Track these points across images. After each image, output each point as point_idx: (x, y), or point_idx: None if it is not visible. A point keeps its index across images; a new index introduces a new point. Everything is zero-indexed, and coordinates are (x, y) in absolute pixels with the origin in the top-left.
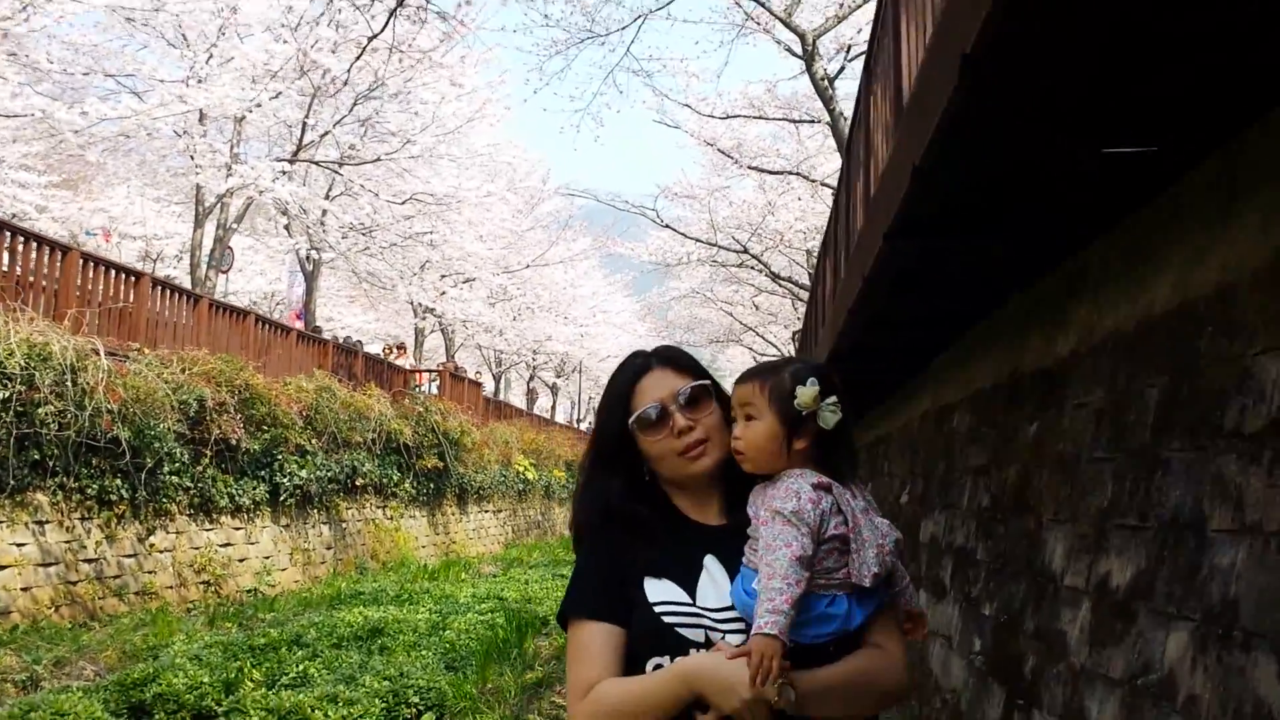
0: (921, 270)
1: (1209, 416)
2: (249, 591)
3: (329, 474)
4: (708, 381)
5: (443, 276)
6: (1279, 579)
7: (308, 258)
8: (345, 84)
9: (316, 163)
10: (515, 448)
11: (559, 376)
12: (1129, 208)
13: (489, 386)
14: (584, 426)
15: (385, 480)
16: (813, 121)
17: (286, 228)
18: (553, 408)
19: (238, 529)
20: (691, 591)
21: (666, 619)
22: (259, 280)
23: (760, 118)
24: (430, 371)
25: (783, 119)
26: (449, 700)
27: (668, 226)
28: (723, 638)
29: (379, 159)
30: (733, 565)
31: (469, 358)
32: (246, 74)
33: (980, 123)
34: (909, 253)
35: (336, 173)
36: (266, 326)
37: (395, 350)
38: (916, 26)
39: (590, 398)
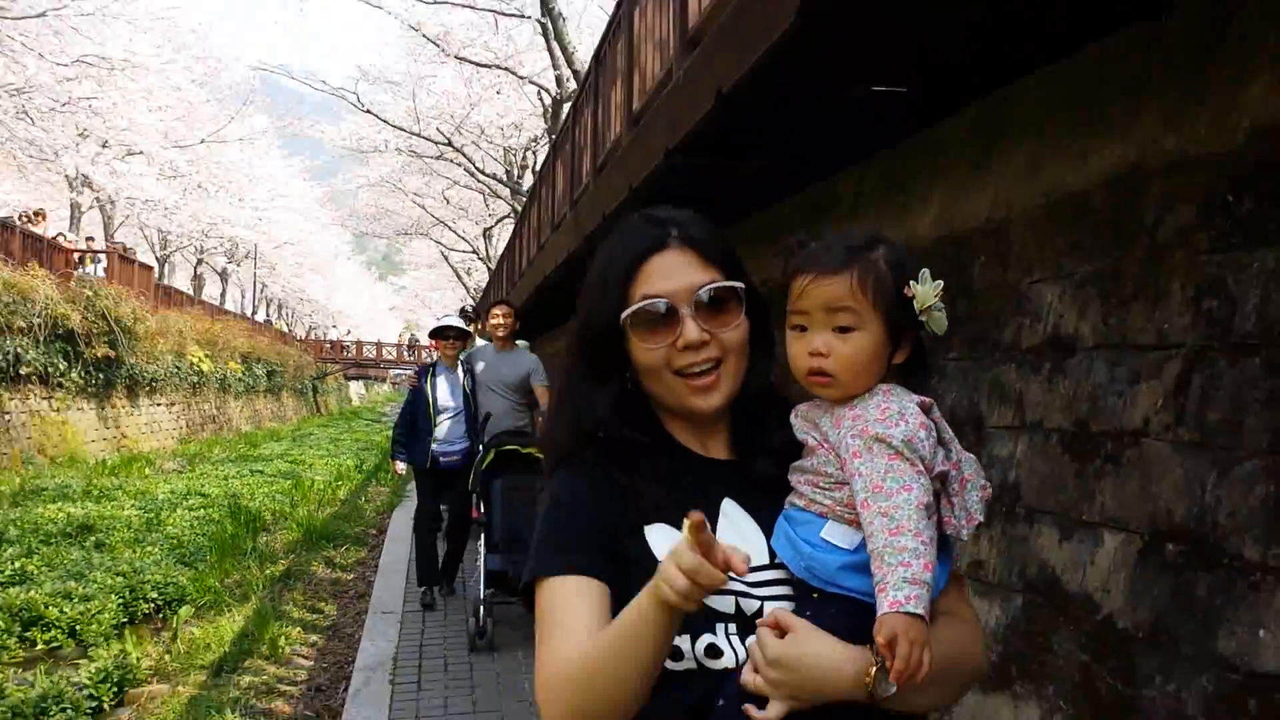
0: (690, 184)
1: (987, 332)
2: None
3: None
4: (741, 284)
5: (105, 146)
6: (1058, 466)
7: None
8: None
9: None
10: (190, 338)
11: (231, 262)
12: (883, 143)
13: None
14: (260, 317)
15: (51, 369)
16: (523, 17)
17: None
18: (222, 295)
19: None
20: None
21: None
22: None
23: (469, 6)
24: (97, 252)
25: (490, 10)
26: (190, 594)
27: (369, 111)
28: (760, 606)
29: (44, 14)
30: (757, 510)
31: (129, 237)
32: None
33: (801, 56)
34: (688, 168)
35: None
36: None
37: (33, 217)
38: None
39: (264, 285)
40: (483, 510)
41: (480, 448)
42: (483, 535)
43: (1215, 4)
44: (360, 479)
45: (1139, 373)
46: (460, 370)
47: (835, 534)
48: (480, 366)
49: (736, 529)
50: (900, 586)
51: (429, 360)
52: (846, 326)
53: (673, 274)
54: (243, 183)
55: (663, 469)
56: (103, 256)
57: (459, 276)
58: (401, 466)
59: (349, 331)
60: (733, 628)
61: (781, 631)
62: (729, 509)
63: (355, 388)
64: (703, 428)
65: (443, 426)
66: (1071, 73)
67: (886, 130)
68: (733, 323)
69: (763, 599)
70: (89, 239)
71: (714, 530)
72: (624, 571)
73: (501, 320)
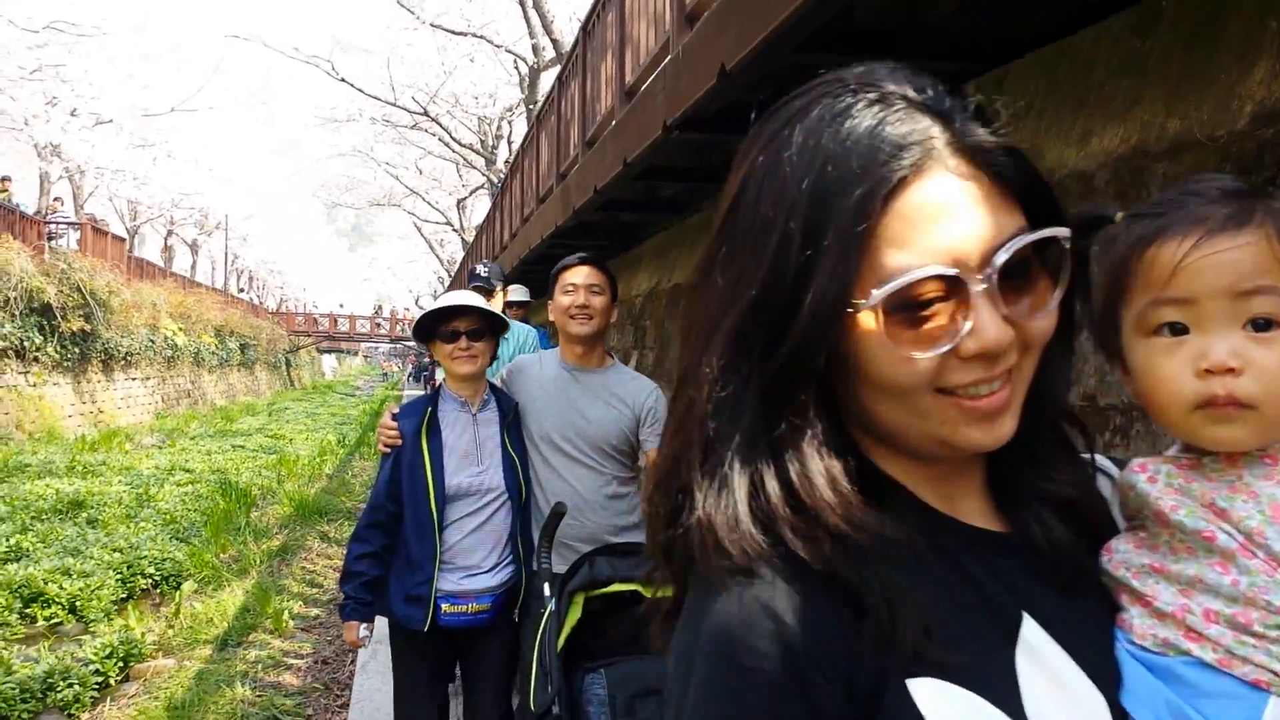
0: (688, 158)
1: None
2: None
3: None
4: (1066, 231)
5: (74, 113)
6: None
7: None
8: None
9: None
10: (163, 311)
11: (201, 233)
12: None
13: None
14: (231, 289)
15: (27, 344)
16: None
17: None
18: (193, 267)
19: None
20: (1015, 708)
21: None
22: None
23: None
24: (70, 224)
25: None
26: (187, 569)
27: (343, 80)
28: None
29: None
30: (1070, 633)
31: (98, 208)
32: None
33: (807, 36)
34: (686, 143)
35: None
36: None
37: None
38: None
39: (235, 257)
40: None
41: (544, 586)
42: None
43: None
44: (344, 453)
45: None
46: (492, 404)
47: None
48: (532, 397)
49: (1051, 674)
50: None
51: (419, 365)
52: (1269, 320)
53: (952, 217)
54: (213, 152)
55: (921, 561)
56: (76, 228)
57: (432, 248)
58: (364, 631)
59: (316, 304)
60: None
61: None
62: (1031, 635)
63: (328, 361)
64: (948, 471)
65: (456, 533)
66: (1066, 54)
67: None
68: (1045, 304)
69: None
70: (56, 200)
71: (1015, 677)
72: None
73: (584, 298)
